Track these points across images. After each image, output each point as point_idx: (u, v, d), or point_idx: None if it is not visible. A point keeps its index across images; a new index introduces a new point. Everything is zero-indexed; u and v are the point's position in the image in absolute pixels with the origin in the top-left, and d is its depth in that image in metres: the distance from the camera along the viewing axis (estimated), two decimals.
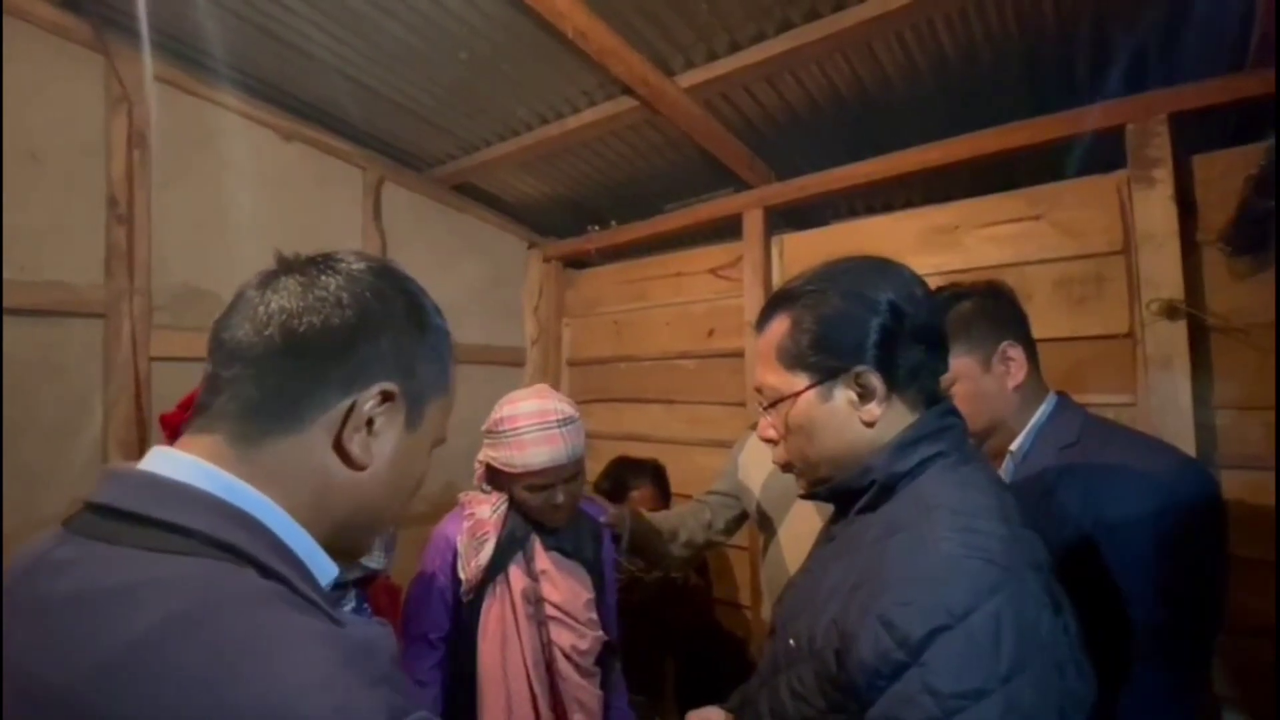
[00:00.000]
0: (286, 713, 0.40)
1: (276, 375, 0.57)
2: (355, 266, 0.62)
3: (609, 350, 2.98)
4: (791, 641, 0.80)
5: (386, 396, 0.60)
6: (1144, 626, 0.95)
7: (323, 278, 0.60)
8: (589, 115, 2.19)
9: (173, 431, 1.08)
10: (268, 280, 0.60)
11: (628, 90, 2.02)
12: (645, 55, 1.90)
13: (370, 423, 0.60)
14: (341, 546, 0.61)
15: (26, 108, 1.73)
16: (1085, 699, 0.65)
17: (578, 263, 3.16)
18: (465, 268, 2.79)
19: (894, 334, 0.79)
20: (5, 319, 1.68)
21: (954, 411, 0.83)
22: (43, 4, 1.75)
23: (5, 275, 1.69)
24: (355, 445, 0.59)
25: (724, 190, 2.53)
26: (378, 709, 0.43)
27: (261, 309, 0.58)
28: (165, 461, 0.54)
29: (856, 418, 0.80)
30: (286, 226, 2.23)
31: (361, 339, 0.59)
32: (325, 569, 0.58)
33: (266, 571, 0.50)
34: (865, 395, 0.80)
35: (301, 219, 2.30)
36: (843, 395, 0.81)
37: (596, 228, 2.94)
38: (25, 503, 1.70)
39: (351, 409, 0.58)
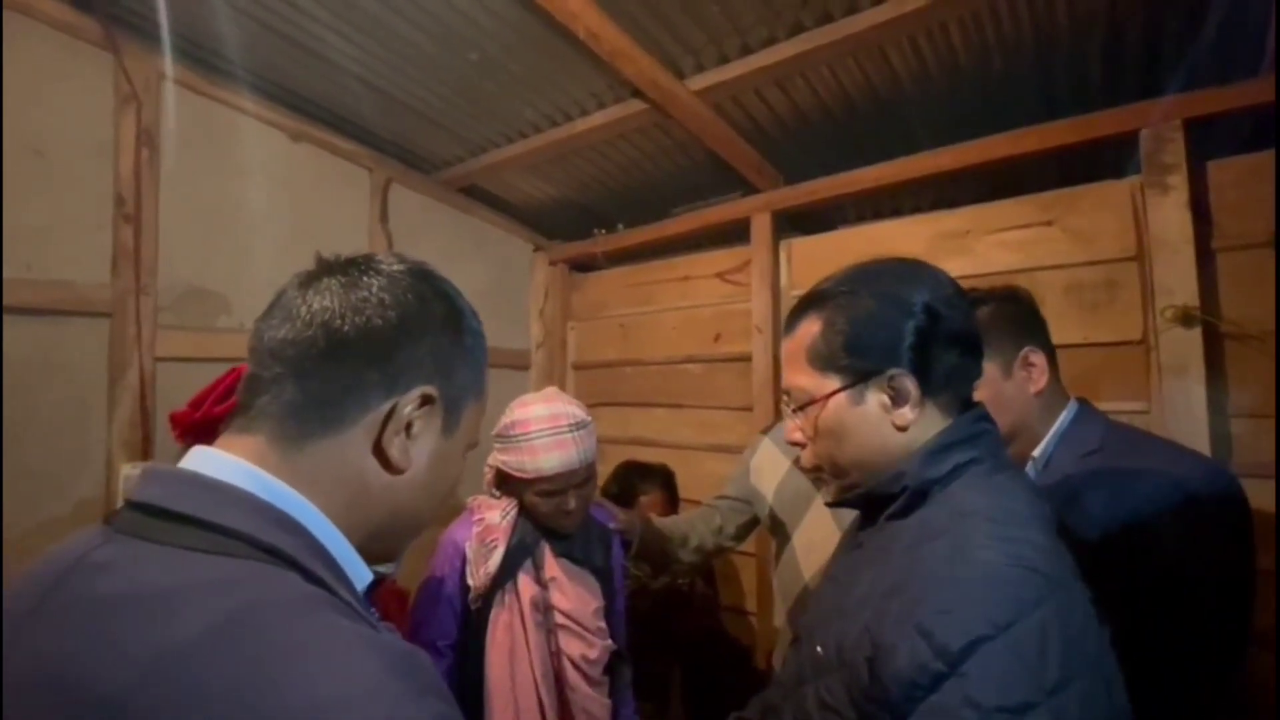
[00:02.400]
0: (338, 719, 0.40)
1: (318, 376, 0.56)
2: (395, 268, 0.61)
3: (615, 354, 2.97)
4: (819, 650, 0.78)
5: (426, 400, 0.60)
6: (1169, 632, 0.93)
7: (364, 279, 0.59)
8: (598, 118, 2.19)
9: (182, 430, 1.07)
10: (309, 280, 0.60)
11: (637, 93, 2.01)
12: (656, 58, 1.90)
13: (409, 426, 0.59)
14: (376, 550, 0.61)
15: (35, 105, 1.73)
16: (1128, 714, 0.63)
17: (584, 266, 3.15)
18: (471, 270, 2.77)
19: (929, 337, 0.77)
20: (11, 317, 1.67)
21: (987, 417, 0.81)
22: (52, 2, 1.74)
23: (11, 273, 1.67)
24: (394, 449, 0.58)
25: (732, 194, 2.52)
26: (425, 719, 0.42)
27: (303, 309, 0.57)
28: (208, 461, 0.54)
29: (888, 421, 0.79)
30: (293, 227, 2.22)
31: (403, 341, 0.58)
32: (361, 574, 0.58)
33: (308, 575, 0.49)
34: (898, 399, 0.78)
35: (308, 220, 2.29)
36: (875, 398, 0.79)
37: (603, 231, 2.93)
38: (29, 502, 1.69)
39: (392, 412, 0.58)
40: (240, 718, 0.39)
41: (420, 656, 0.47)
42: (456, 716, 0.44)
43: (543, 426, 1.30)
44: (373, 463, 0.58)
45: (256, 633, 0.43)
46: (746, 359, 2.46)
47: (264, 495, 0.53)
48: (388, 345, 0.58)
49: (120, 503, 1.75)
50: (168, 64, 1.94)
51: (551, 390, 1.43)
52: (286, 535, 0.51)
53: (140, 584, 0.45)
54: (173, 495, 0.51)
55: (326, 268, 0.61)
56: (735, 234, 2.55)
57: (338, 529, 0.56)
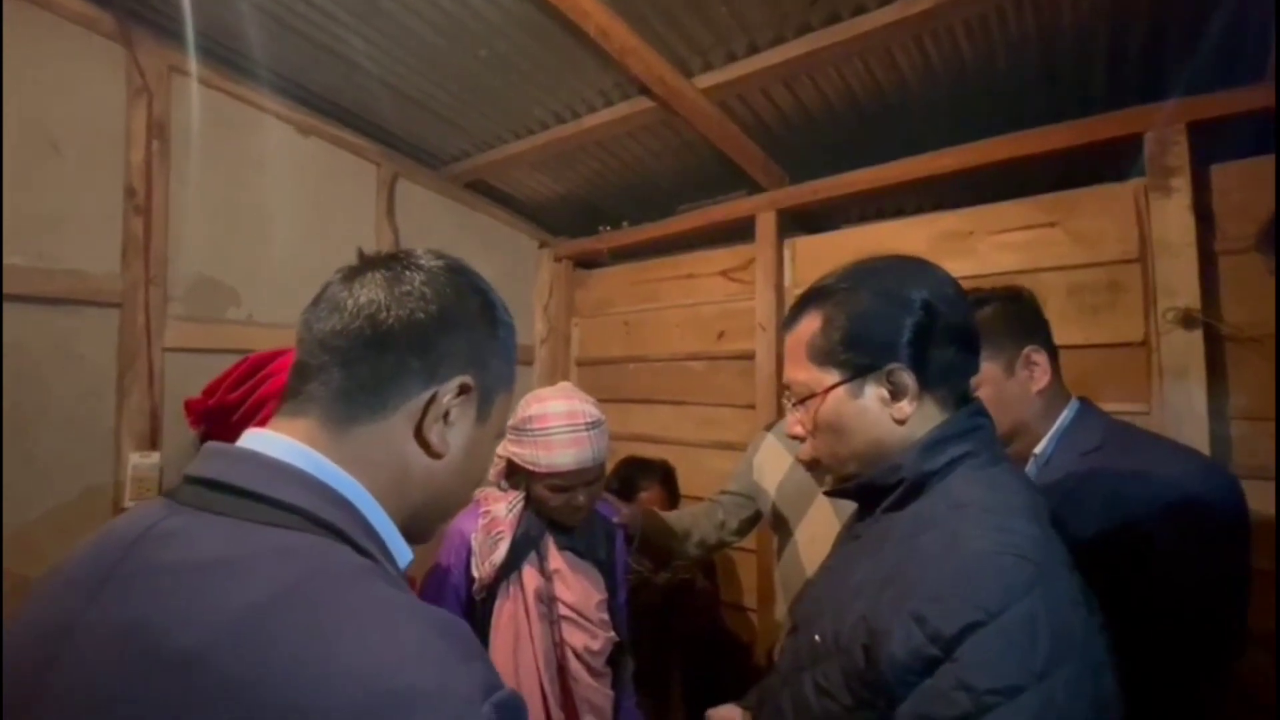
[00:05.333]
0: (391, 680, 0.42)
1: (364, 365, 0.59)
2: (434, 264, 0.65)
3: (619, 350, 2.98)
4: (816, 638, 0.80)
5: (464, 389, 0.63)
6: (1166, 631, 0.95)
7: (406, 273, 0.62)
8: (605, 115, 2.20)
9: (196, 417, 1.09)
10: (353, 275, 0.63)
11: (645, 91, 2.03)
12: (664, 56, 1.91)
13: (447, 414, 0.62)
14: (414, 530, 0.64)
15: (48, 97, 1.75)
16: (1117, 700, 0.65)
17: (588, 263, 3.16)
18: (476, 265, 2.67)
19: (927, 333, 0.79)
20: (23, 306, 1.69)
21: (983, 412, 0.83)
22: None
23: (22, 262, 1.70)
24: (434, 435, 0.61)
25: (737, 192, 2.53)
26: (474, 683, 0.44)
27: (350, 301, 0.60)
28: (264, 442, 0.57)
29: (887, 415, 0.80)
30: (301, 220, 2.24)
31: (443, 333, 0.62)
32: (403, 552, 0.61)
33: (358, 549, 0.53)
34: (897, 393, 0.80)
35: (316, 213, 2.30)
36: (874, 392, 0.81)
37: (608, 228, 2.94)
38: (37, 490, 1.71)
39: (432, 400, 0.61)
40: (308, 673, 0.42)
41: (464, 626, 0.50)
42: (499, 682, 0.46)
43: (561, 423, 1.31)
44: (414, 447, 0.61)
45: (319, 597, 0.46)
46: (750, 357, 2.47)
47: (317, 474, 0.56)
48: (429, 336, 0.61)
49: (128, 489, 1.77)
50: (184, 59, 1.96)
51: (567, 386, 1.44)
52: (339, 512, 0.55)
53: (209, 552, 0.49)
54: (234, 471, 0.54)
55: (369, 262, 0.64)
56: (740, 232, 2.56)
57: (382, 508, 0.59)
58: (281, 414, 0.61)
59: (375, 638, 0.44)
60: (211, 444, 0.58)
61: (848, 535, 0.95)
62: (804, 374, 0.85)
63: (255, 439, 0.58)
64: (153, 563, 0.49)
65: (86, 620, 0.48)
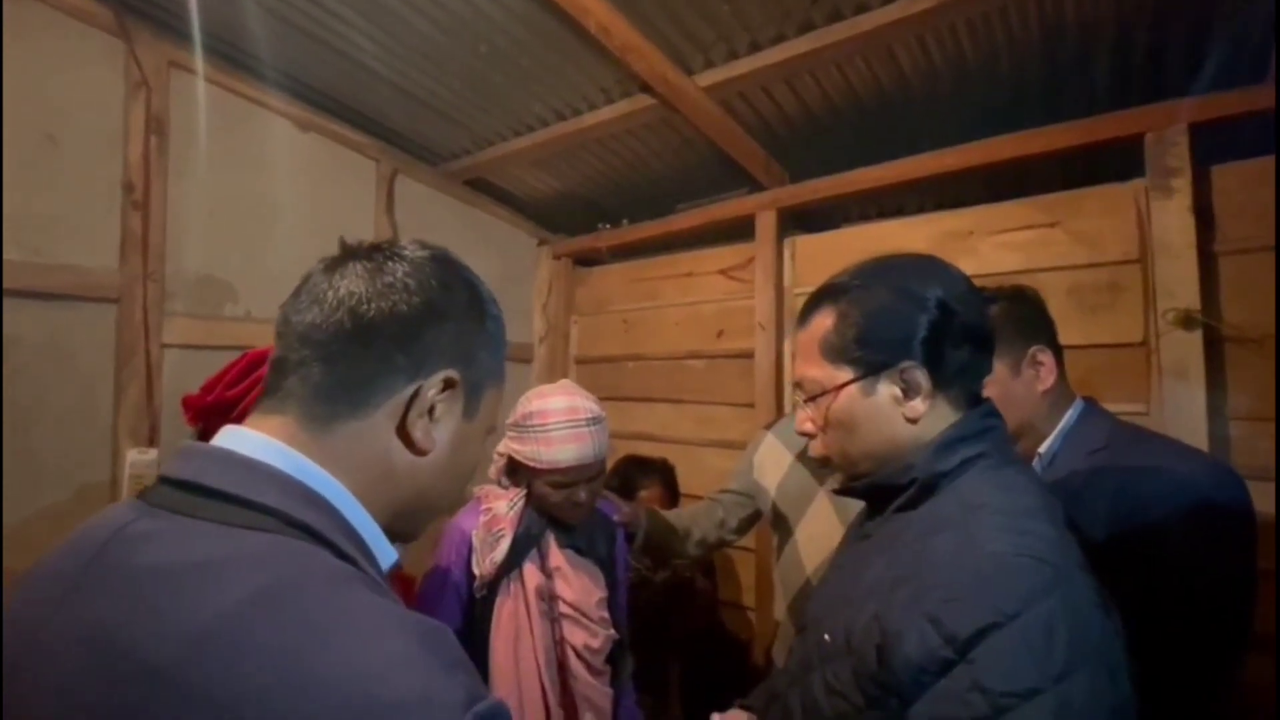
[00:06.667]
0: (373, 692, 0.41)
1: (345, 359, 0.57)
2: (419, 254, 0.62)
3: (618, 349, 2.98)
4: (827, 637, 0.80)
5: (449, 384, 0.61)
6: (1176, 631, 0.95)
7: (389, 264, 0.60)
8: (605, 113, 2.19)
9: (194, 413, 1.08)
10: (334, 265, 0.60)
11: (646, 88, 2.02)
12: (665, 53, 1.90)
13: (432, 409, 0.60)
14: (400, 529, 0.62)
15: (46, 91, 1.73)
16: (1133, 703, 0.64)
17: (588, 260, 3.16)
18: (475, 263, 2.65)
19: (941, 331, 0.78)
20: (20, 301, 1.68)
21: (996, 413, 0.83)
22: None
23: (19, 258, 1.68)
24: (418, 431, 0.59)
25: (737, 191, 2.53)
26: (456, 693, 0.43)
27: (330, 293, 0.58)
28: (241, 440, 0.55)
29: (899, 414, 0.80)
30: (299, 216, 2.22)
31: (427, 326, 0.59)
32: (386, 553, 0.59)
33: (338, 552, 0.51)
34: (910, 391, 0.79)
35: (315, 209, 2.29)
36: (886, 391, 0.80)
37: (608, 226, 2.93)
38: (33, 487, 1.69)
39: (416, 395, 0.59)
40: (286, 684, 0.40)
41: (448, 633, 0.48)
42: (483, 691, 0.45)
43: (561, 419, 1.31)
44: (398, 444, 0.59)
45: (296, 604, 0.44)
46: (749, 355, 2.47)
47: (294, 474, 0.54)
48: (413, 330, 0.58)
49: (125, 486, 1.76)
50: (183, 53, 1.95)
51: (568, 382, 1.43)
52: (316, 513, 0.52)
53: (180, 556, 0.47)
54: (208, 472, 0.52)
55: (351, 253, 0.62)
56: (740, 231, 2.56)
57: (364, 508, 0.57)
58: (260, 410, 0.58)
59: (355, 647, 0.43)
60: (186, 443, 0.56)
61: (857, 534, 0.95)
62: (816, 371, 0.84)
63: (231, 437, 0.56)
64: (122, 567, 0.47)
65: (55, 623, 0.46)
